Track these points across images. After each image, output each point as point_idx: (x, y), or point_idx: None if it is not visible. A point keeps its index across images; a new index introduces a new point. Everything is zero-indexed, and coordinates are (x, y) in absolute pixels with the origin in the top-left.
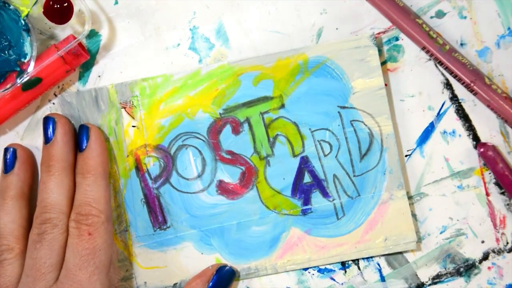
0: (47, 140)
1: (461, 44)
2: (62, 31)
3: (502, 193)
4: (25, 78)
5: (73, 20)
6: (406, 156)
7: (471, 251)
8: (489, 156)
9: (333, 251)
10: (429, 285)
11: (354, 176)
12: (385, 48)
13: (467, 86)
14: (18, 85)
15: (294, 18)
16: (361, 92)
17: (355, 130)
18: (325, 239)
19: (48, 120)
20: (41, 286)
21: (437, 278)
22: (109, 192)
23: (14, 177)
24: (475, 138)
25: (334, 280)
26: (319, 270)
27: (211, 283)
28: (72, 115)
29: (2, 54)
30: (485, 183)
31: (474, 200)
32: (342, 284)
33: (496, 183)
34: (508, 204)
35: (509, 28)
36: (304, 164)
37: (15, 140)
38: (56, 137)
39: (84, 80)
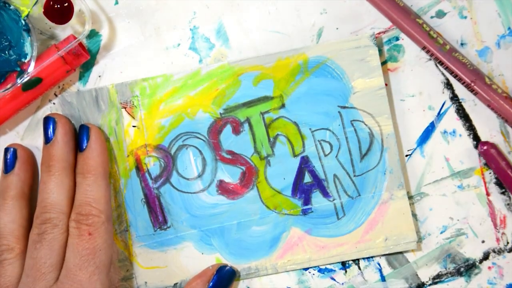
0: (47, 140)
1: (461, 44)
2: (63, 31)
3: (503, 193)
4: (26, 78)
5: (73, 20)
6: (406, 156)
7: (471, 251)
8: (491, 154)
9: (334, 251)
10: (430, 285)
11: (354, 176)
12: (385, 48)
13: (467, 86)
14: (19, 85)
15: (294, 18)
16: (362, 92)
17: (355, 130)
18: (326, 239)
19: (48, 120)
20: (41, 286)
21: (437, 278)
22: (109, 192)
23: (15, 177)
24: (476, 138)
25: (334, 280)
26: (320, 270)
27: (211, 283)
28: (72, 115)
29: (3, 54)
30: (485, 183)
31: (475, 200)
32: (342, 284)
33: (497, 183)
34: (508, 204)
35: (509, 28)
36: (305, 164)
37: (15, 140)
38: (57, 137)
39: (85, 80)
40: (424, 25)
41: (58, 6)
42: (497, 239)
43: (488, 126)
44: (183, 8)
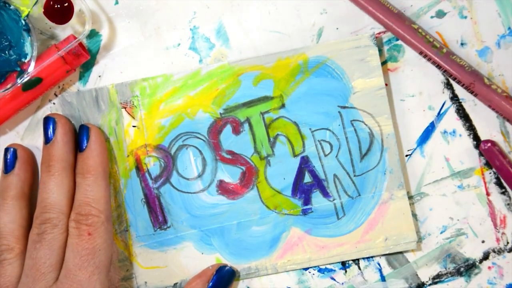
0: (47, 140)
1: (462, 44)
2: (63, 31)
3: (503, 193)
4: (26, 78)
5: (73, 20)
6: (406, 156)
7: (471, 251)
8: (494, 151)
9: (334, 251)
10: (430, 285)
11: (354, 176)
12: (386, 48)
13: (467, 88)
14: (19, 85)
15: (294, 18)
16: (362, 92)
17: (355, 130)
18: (326, 239)
19: (48, 120)
20: (41, 286)
21: (437, 278)
22: (109, 192)
23: (14, 177)
24: (476, 138)
25: (334, 280)
26: (320, 270)
27: (211, 283)
28: (72, 115)
29: (3, 54)
30: (485, 183)
31: (475, 200)
32: (342, 284)
33: (497, 183)
34: (508, 204)
35: (509, 28)
36: (305, 164)
37: (15, 140)
38: (56, 137)
39: (85, 80)
40: (420, 30)
41: (58, 6)
42: (497, 239)
43: (488, 126)
44: (183, 8)
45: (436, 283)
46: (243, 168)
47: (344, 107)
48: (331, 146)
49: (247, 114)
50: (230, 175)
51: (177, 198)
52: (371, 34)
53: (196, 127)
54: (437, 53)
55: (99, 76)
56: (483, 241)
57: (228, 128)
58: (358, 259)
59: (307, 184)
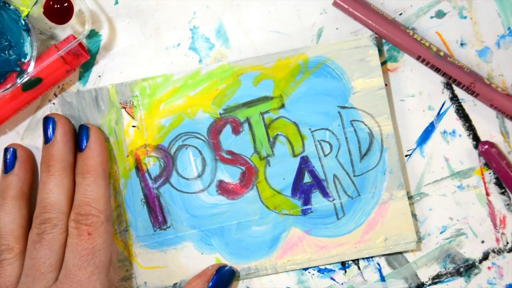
0: (47, 140)
1: (461, 44)
2: (62, 31)
3: (502, 193)
4: (25, 78)
5: (73, 20)
6: (406, 156)
7: (471, 251)
8: (492, 153)
9: (333, 251)
10: (429, 285)
11: (354, 176)
12: (385, 48)
13: (467, 89)
14: (18, 85)
15: (294, 18)
16: (361, 92)
17: (355, 130)
18: (325, 239)
19: (48, 120)
20: (41, 286)
21: (437, 278)
22: (109, 192)
23: (14, 177)
24: (475, 138)
25: (334, 280)
26: (319, 270)
27: (211, 283)
28: (72, 115)
29: (2, 54)
30: (485, 183)
31: (474, 200)
32: (342, 284)
33: (496, 183)
34: (508, 204)
35: (509, 28)
36: (304, 164)
37: (15, 140)
38: (56, 137)
39: (84, 80)
40: (415, 35)
41: (58, 6)
42: (497, 239)
43: (488, 126)
44: (183, 8)
45: (435, 283)
46: (242, 168)
47: (344, 107)
48: (331, 146)
49: (247, 114)
50: (229, 175)
51: (176, 198)
52: (371, 34)
53: (196, 127)
54: (435, 56)
55: (99, 76)
56: (482, 241)
57: (228, 128)
58: (357, 259)
59: (306, 184)
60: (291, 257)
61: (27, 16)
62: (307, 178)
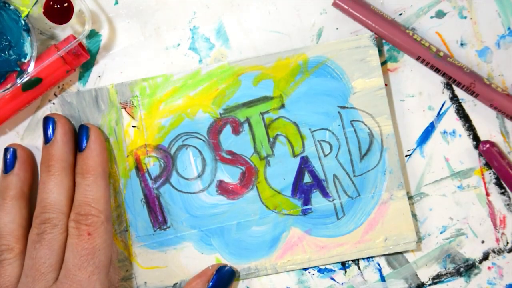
0: (47, 140)
1: (461, 44)
2: (62, 31)
3: (503, 193)
4: (25, 78)
5: (73, 20)
6: (406, 156)
7: (471, 251)
8: (493, 152)
9: (333, 251)
10: (429, 285)
11: (354, 176)
12: (385, 48)
13: (467, 89)
14: (18, 85)
15: (294, 18)
16: (361, 92)
17: (355, 130)
18: (325, 239)
19: (48, 120)
20: (41, 286)
21: (437, 278)
22: (109, 192)
23: (14, 177)
24: (475, 138)
25: (334, 280)
26: (319, 270)
27: (211, 283)
28: (72, 115)
29: (2, 54)
30: (485, 183)
31: (474, 200)
32: (342, 284)
33: (496, 183)
34: (508, 204)
35: (509, 28)
36: (304, 164)
37: (15, 140)
38: (56, 137)
39: (84, 80)
40: (415, 36)
41: (58, 6)
42: (497, 239)
43: (488, 126)
44: (183, 8)
45: (436, 283)
46: (242, 168)
47: (344, 107)
48: (331, 146)
49: (247, 114)
50: (229, 175)
51: (176, 198)
52: (371, 34)
53: (196, 127)
54: (435, 56)
55: (99, 76)
56: (482, 241)
57: (228, 128)
58: (357, 259)
59: (306, 184)
60: (291, 257)
61: (27, 16)
62: (307, 178)
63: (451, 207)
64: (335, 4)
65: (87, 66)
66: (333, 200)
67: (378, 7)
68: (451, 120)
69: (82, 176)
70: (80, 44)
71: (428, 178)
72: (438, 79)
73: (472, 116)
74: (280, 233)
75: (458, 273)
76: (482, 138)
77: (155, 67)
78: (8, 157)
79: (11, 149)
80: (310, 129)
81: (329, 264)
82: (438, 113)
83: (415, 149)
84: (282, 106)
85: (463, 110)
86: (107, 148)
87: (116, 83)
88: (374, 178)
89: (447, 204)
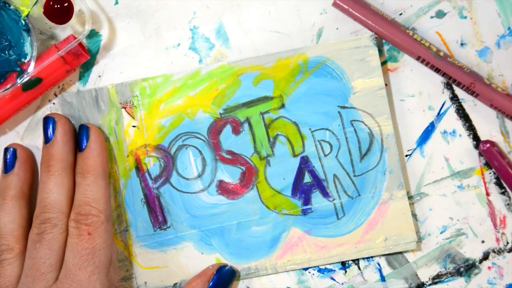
0: (47, 140)
1: (461, 44)
2: (62, 31)
3: (503, 193)
4: (25, 78)
5: (73, 20)
6: (406, 156)
7: (471, 251)
8: (493, 152)
9: (333, 251)
10: (429, 285)
11: (354, 176)
12: (385, 48)
13: (467, 89)
14: (18, 85)
15: (294, 18)
16: (361, 92)
17: (355, 130)
18: (325, 239)
19: (48, 120)
20: (41, 286)
21: (437, 278)
22: (109, 192)
23: (14, 177)
24: (476, 138)
25: (334, 280)
26: (319, 270)
27: (211, 283)
28: (72, 115)
29: (2, 54)
30: (485, 183)
31: (474, 200)
32: (342, 284)
33: (497, 183)
34: (508, 204)
35: (509, 28)
36: (304, 164)
37: (15, 140)
38: (56, 137)
39: (84, 80)
40: (415, 36)
41: (58, 6)
42: (497, 239)
43: (488, 126)
44: (183, 8)
45: (436, 283)
46: (243, 168)
47: (344, 107)
48: (331, 146)
49: (247, 114)
50: (230, 175)
51: (177, 198)
52: (371, 34)
53: (196, 127)
54: (435, 56)
55: (99, 76)
56: (483, 241)
57: (228, 128)
58: (358, 259)
59: (307, 184)
60: (291, 257)
61: (27, 16)
62: (307, 178)
63: (451, 207)
64: (335, 4)
65: (87, 66)
66: (333, 200)
67: (378, 7)
68: (451, 120)
69: (82, 176)
70: (80, 44)
71: (428, 178)
72: (438, 79)
73: (472, 116)
74: (280, 233)
75: (458, 273)
76: (482, 138)
77: (155, 67)
78: (8, 157)
79: (11, 149)
80: (310, 129)
81: (329, 264)
82: (438, 113)
83: (415, 149)
84: (282, 106)
85: (463, 110)
86: (107, 148)
87: (116, 83)
88: (374, 178)
89: (447, 204)
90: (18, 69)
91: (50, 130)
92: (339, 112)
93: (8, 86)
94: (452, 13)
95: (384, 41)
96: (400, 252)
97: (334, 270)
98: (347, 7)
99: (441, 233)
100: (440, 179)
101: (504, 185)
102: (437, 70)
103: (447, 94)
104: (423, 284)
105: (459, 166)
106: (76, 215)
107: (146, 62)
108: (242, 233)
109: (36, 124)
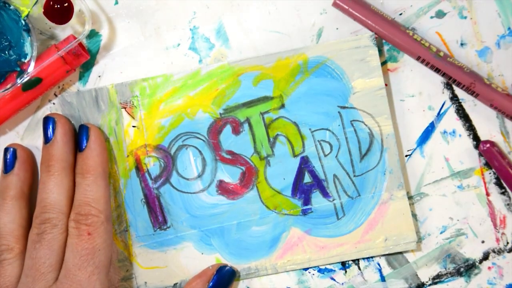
0: (47, 140)
1: (461, 44)
2: (62, 31)
3: (503, 193)
4: (25, 78)
5: (73, 20)
6: (406, 156)
7: (471, 251)
8: (493, 152)
9: (333, 251)
10: (429, 285)
11: (354, 176)
12: (385, 48)
13: (467, 89)
14: (18, 85)
15: (294, 18)
16: (361, 92)
17: (355, 130)
18: (325, 239)
19: (48, 120)
20: (41, 286)
21: (437, 278)
22: (109, 192)
23: (14, 177)
24: (475, 138)
25: (334, 280)
26: (319, 270)
27: (211, 283)
28: (72, 115)
29: (2, 54)
30: (485, 183)
31: (474, 200)
32: (342, 284)
33: (497, 183)
34: (508, 204)
35: (509, 28)
36: (304, 164)
37: (15, 140)
38: (56, 137)
39: (84, 80)
40: (415, 36)
41: (58, 6)
42: (497, 239)
43: (488, 126)
44: (183, 8)
45: (436, 283)
46: (243, 168)
47: (344, 107)
48: (331, 146)
49: (247, 114)
50: (230, 175)
51: (177, 198)
52: (371, 34)
53: (196, 127)
54: (435, 56)
55: (99, 76)
56: (483, 241)
57: (228, 128)
58: (358, 259)
59: (307, 184)
60: (291, 257)
61: (27, 16)
62: (307, 178)
63: (451, 207)
64: (335, 4)
65: (87, 66)
66: (333, 200)
67: (378, 7)
68: (451, 120)
69: (82, 176)
70: (80, 44)
71: (428, 178)
72: (438, 79)
73: (472, 116)
74: (280, 233)
75: (458, 273)
76: (482, 138)
77: (155, 67)
78: (8, 157)
79: (11, 149)
80: (310, 129)
81: (329, 264)
82: (438, 113)
83: (415, 149)
84: (282, 106)
85: (463, 110)
86: (107, 148)
87: (116, 83)
88: (374, 178)
89: (447, 204)
90: (18, 69)
91: (50, 130)
92: (339, 112)
93: (8, 86)
94: (452, 13)
95: (384, 41)
96: (400, 252)
97: (334, 270)
98: (347, 7)
99: (441, 233)
100: (440, 179)
101: (504, 185)
102: (437, 70)
103: (447, 94)
104: (423, 284)
105: (459, 166)
106: (76, 215)
107: (146, 62)
108: (242, 233)
109: (36, 124)
